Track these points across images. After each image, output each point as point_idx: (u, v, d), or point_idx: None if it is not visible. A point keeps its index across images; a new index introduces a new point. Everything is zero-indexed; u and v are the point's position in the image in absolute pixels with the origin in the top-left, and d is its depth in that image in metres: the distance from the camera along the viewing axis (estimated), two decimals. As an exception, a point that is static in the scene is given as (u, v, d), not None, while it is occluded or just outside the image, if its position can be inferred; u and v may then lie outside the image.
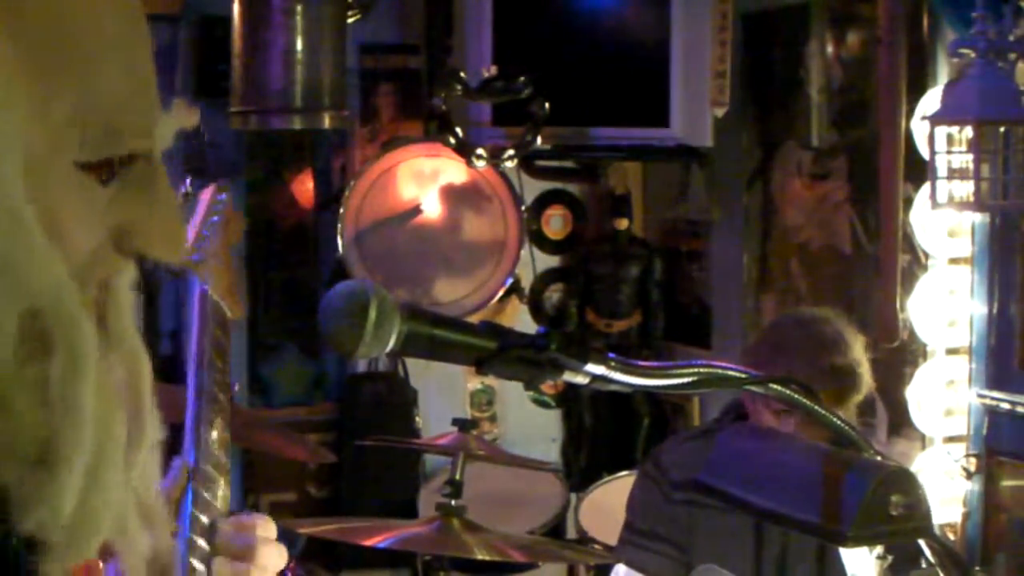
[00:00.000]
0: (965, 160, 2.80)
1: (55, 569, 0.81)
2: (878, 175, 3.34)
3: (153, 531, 0.88)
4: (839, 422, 1.26)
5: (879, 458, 1.28)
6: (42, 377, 0.77)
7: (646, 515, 2.84)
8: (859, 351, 2.69)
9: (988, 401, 3.09)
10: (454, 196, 4.21)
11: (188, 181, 1.52)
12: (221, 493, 1.37)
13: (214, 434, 1.39)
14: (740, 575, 2.67)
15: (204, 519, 1.32)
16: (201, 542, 1.30)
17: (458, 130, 3.90)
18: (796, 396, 1.23)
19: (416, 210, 4.19)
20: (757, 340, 2.89)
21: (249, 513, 1.38)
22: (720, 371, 1.21)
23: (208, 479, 1.36)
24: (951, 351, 3.20)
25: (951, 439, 3.19)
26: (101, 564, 0.86)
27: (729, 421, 2.83)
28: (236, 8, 3.77)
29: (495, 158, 3.93)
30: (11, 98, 0.76)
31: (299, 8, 3.75)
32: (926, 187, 2.96)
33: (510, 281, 4.25)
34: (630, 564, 2.80)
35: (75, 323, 0.78)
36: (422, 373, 4.48)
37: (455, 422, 2.83)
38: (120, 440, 0.82)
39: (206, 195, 1.50)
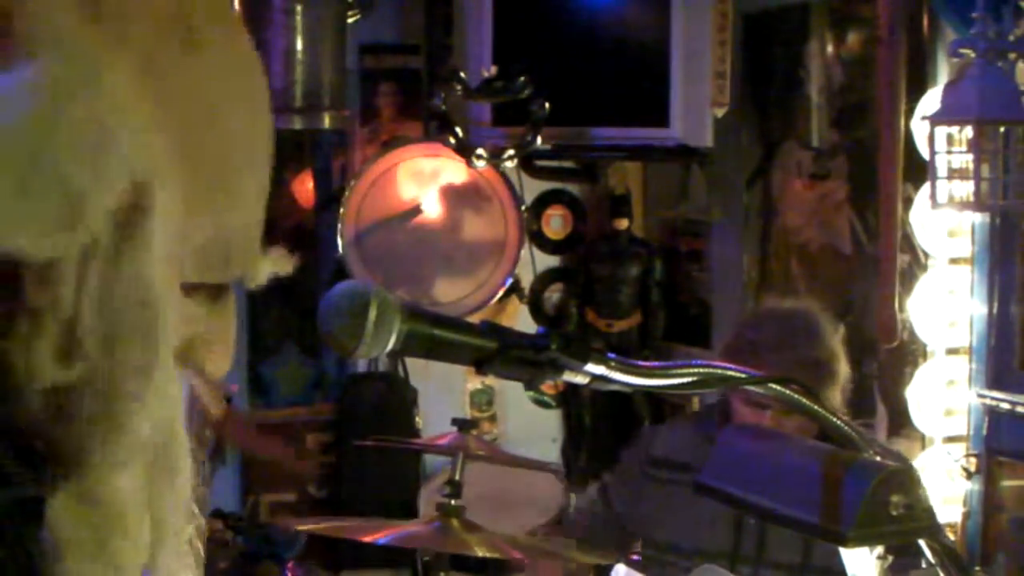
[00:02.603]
0: (965, 160, 2.80)
1: None
2: (878, 175, 3.34)
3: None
4: (838, 421, 1.27)
5: (878, 456, 1.28)
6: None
7: (616, 477, 2.99)
8: (835, 343, 2.70)
9: (988, 401, 3.09)
10: (454, 196, 4.21)
11: None
12: (194, 551, 1.39)
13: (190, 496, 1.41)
14: (719, 549, 2.70)
15: None
16: None
17: (458, 130, 3.90)
18: (796, 396, 1.23)
19: (416, 210, 4.19)
20: (730, 337, 2.91)
21: None
22: (720, 371, 1.21)
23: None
24: (951, 351, 3.20)
25: (951, 439, 3.19)
26: None
27: (717, 408, 2.85)
28: (236, 8, 3.77)
29: (495, 158, 3.93)
30: (171, 209, 0.76)
31: (299, 8, 3.75)
32: (926, 187, 2.96)
33: (510, 281, 4.25)
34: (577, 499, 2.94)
35: (182, 444, 0.80)
36: (422, 373, 4.47)
37: (455, 422, 2.83)
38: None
39: None
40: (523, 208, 4.24)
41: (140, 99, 0.74)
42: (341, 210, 4.14)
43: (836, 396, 2.69)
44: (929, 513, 1.24)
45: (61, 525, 0.73)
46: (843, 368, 2.69)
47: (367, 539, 2.49)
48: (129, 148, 0.72)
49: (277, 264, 0.87)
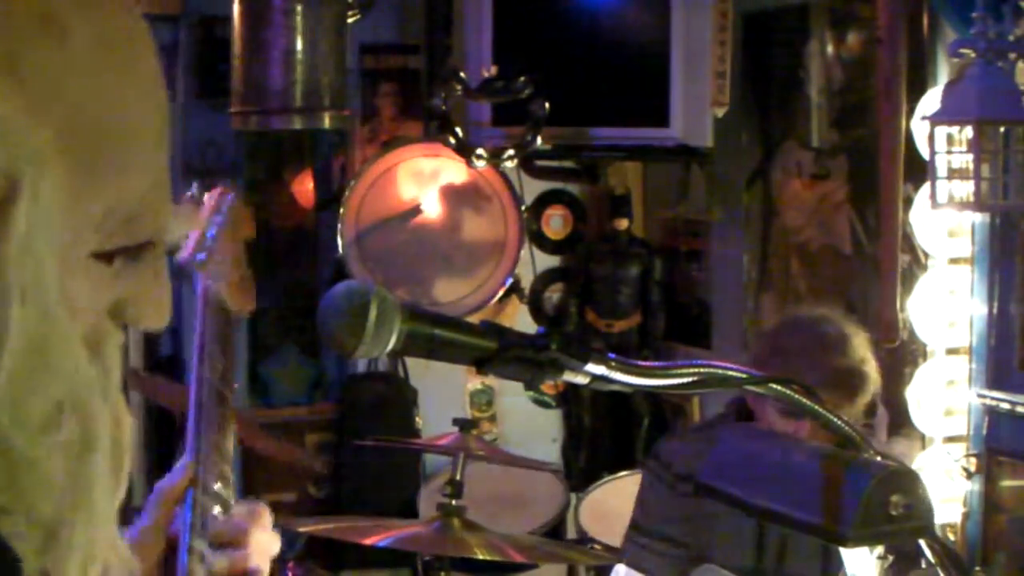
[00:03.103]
0: (965, 160, 2.80)
1: None
2: (878, 175, 3.34)
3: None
4: (839, 422, 1.27)
5: (879, 458, 1.28)
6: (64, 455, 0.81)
7: (649, 513, 2.86)
8: (864, 349, 2.67)
9: (988, 401, 3.09)
10: (454, 196, 4.21)
11: (195, 185, 1.53)
12: (223, 497, 1.37)
13: (216, 439, 1.38)
14: (742, 562, 2.68)
15: (202, 522, 1.32)
16: (201, 545, 1.30)
17: (458, 130, 3.89)
18: (796, 396, 1.23)
19: (416, 210, 4.19)
20: (759, 346, 2.87)
21: (240, 503, 1.38)
22: (720, 371, 1.21)
23: (208, 484, 1.35)
24: (951, 351, 3.20)
25: (951, 439, 3.19)
26: None
27: (732, 418, 2.84)
28: (236, 8, 3.77)
29: (495, 158, 3.93)
30: (53, 197, 0.78)
31: (299, 8, 3.75)
32: (926, 187, 2.96)
33: (510, 281, 4.25)
34: (630, 564, 2.81)
35: (94, 412, 0.82)
36: (422, 373, 4.48)
37: (455, 422, 2.83)
38: (102, 489, 0.87)
39: (212, 196, 1.50)
40: (523, 208, 4.24)
41: (7, 97, 0.76)
42: (341, 210, 4.14)
43: (862, 404, 2.67)
44: (929, 513, 1.24)
45: None
46: (874, 374, 2.66)
47: (368, 542, 2.49)
48: None
49: (187, 222, 0.88)
